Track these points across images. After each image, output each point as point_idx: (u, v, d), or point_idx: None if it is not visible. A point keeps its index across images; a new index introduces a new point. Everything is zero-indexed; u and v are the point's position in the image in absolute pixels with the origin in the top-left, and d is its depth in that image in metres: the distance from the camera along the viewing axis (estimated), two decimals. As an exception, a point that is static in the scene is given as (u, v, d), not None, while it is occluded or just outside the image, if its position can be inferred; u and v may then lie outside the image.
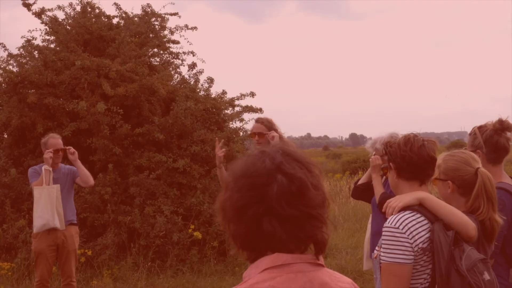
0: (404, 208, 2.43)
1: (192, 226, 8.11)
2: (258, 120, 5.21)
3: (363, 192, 4.75)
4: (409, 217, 2.38)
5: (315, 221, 1.35)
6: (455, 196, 2.71)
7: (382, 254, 2.39)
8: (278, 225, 1.31)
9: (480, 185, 2.62)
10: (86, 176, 6.01)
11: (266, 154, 1.38)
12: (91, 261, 7.63)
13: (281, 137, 5.06)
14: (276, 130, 5.06)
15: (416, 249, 2.33)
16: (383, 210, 2.58)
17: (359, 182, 4.81)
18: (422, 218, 2.39)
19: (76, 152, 5.97)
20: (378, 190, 4.29)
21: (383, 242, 2.40)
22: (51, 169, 5.74)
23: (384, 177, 4.32)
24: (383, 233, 2.41)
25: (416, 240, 2.33)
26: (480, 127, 3.34)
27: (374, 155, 4.53)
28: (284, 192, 1.31)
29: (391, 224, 2.38)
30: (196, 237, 7.98)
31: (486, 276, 2.32)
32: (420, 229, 2.36)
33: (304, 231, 1.34)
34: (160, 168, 8.45)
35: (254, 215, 1.32)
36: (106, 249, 7.73)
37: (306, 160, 1.39)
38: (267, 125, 5.11)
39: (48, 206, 5.62)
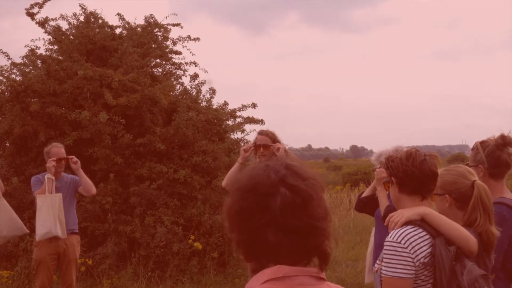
0: (406, 223, 2.44)
1: (192, 237, 8.11)
2: (262, 133, 5.20)
3: (366, 205, 4.73)
4: (411, 232, 2.39)
5: (319, 231, 1.35)
6: (453, 210, 2.72)
7: (383, 268, 2.39)
8: (283, 236, 1.31)
9: (476, 197, 2.63)
10: (88, 185, 6.04)
11: (270, 167, 1.39)
12: (91, 270, 7.63)
13: (285, 150, 5.05)
14: (279, 143, 5.07)
15: (417, 263, 2.33)
16: (385, 224, 2.58)
17: (363, 195, 4.79)
18: (424, 233, 2.40)
19: (79, 161, 6.00)
20: (384, 202, 4.26)
21: (385, 256, 2.40)
22: (53, 178, 5.76)
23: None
24: (385, 247, 2.41)
25: (418, 255, 2.33)
26: (482, 142, 3.35)
27: (379, 168, 4.51)
28: (287, 203, 1.31)
29: (392, 238, 2.39)
30: (196, 247, 7.98)
31: (487, 291, 2.33)
32: (421, 244, 2.36)
33: (309, 241, 1.34)
34: (161, 178, 8.45)
35: (257, 225, 1.32)
36: (106, 258, 7.73)
37: (309, 174, 1.39)
38: (272, 137, 5.11)
39: (50, 215, 5.64)
